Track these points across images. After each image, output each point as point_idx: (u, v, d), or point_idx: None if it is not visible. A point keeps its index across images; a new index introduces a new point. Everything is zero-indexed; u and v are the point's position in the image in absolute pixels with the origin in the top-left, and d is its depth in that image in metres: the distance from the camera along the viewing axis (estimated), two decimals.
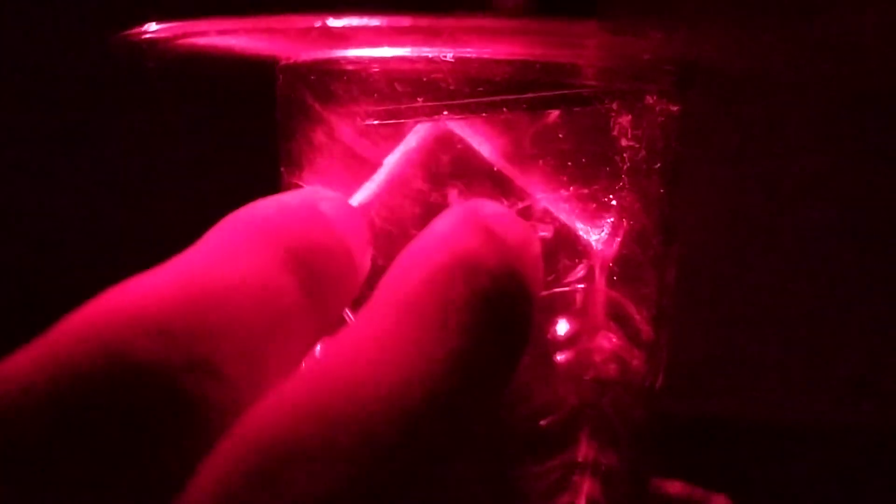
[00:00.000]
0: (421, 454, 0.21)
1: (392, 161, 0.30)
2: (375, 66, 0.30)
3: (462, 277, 0.23)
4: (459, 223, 0.25)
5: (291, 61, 0.31)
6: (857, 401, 0.56)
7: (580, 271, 0.31)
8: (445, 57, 0.29)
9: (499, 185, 0.30)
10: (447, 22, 0.26)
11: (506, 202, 0.30)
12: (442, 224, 0.25)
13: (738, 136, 0.45)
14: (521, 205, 0.30)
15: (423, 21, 0.24)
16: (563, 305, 0.32)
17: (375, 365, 0.21)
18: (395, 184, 0.30)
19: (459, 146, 0.30)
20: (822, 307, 0.52)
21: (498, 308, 0.23)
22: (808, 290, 0.52)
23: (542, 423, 0.33)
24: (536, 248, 0.27)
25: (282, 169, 0.33)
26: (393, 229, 0.30)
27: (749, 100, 0.41)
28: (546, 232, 0.30)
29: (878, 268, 0.51)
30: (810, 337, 0.54)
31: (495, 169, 0.30)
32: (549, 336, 0.32)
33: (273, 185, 0.33)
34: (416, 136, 0.30)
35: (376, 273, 0.31)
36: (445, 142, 0.30)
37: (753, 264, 0.51)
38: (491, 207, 0.26)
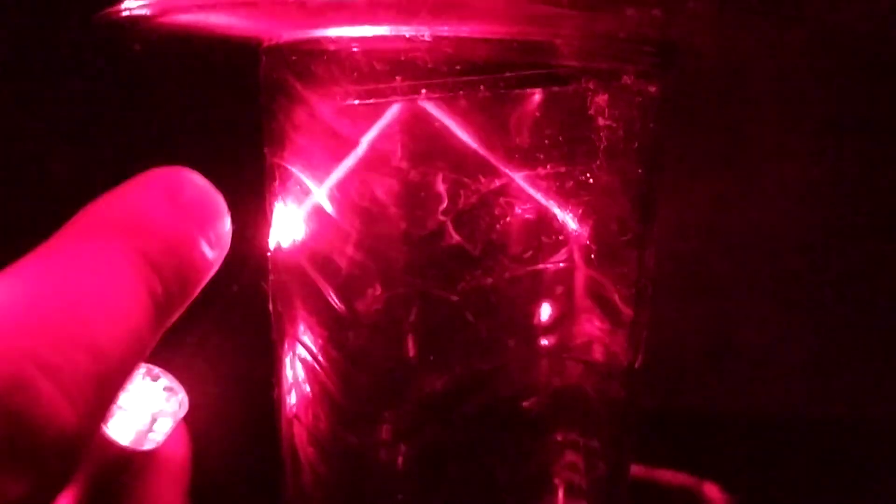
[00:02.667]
0: None
1: (369, 139, 0.30)
2: (355, 45, 0.30)
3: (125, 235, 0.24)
4: (145, 183, 0.25)
5: (274, 43, 0.32)
6: (851, 394, 0.56)
7: (559, 251, 0.32)
8: (423, 36, 0.29)
9: (475, 164, 0.30)
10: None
11: (482, 179, 0.30)
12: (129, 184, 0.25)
13: (727, 126, 0.45)
14: (497, 182, 0.30)
15: None
16: (545, 287, 0.32)
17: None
18: (374, 162, 0.30)
19: (436, 125, 0.30)
20: (813, 301, 0.52)
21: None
22: (799, 284, 0.52)
23: (526, 404, 0.33)
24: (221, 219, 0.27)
25: (265, 149, 0.33)
26: (371, 207, 0.31)
27: (732, 84, 0.41)
28: (523, 210, 0.30)
29: (870, 261, 0.51)
30: (805, 331, 0.54)
31: (472, 147, 0.30)
32: (533, 319, 0.32)
33: (258, 164, 0.34)
34: (393, 114, 0.30)
35: (361, 247, 0.31)
36: (422, 120, 0.30)
37: (746, 259, 0.52)
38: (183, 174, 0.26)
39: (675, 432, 0.54)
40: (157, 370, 0.36)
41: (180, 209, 0.25)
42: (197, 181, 0.27)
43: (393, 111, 0.30)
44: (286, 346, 0.33)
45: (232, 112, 0.36)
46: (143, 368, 0.36)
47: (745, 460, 0.57)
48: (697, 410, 0.58)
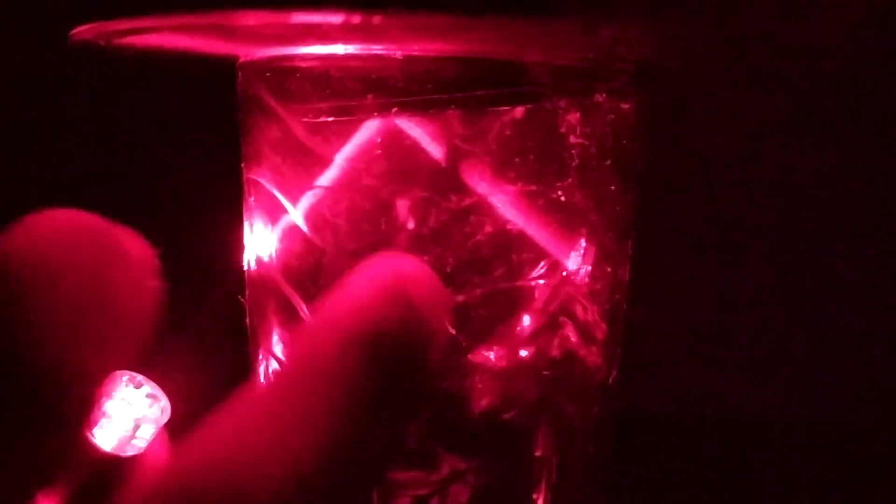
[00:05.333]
0: None
1: (342, 158, 0.30)
2: (328, 63, 0.30)
3: (370, 351, 0.23)
4: (374, 287, 0.24)
5: (249, 59, 0.32)
6: (842, 398, 0.56)
7: (532, 268, 0.32)
8: (395, 55, 0.30)
9: (445, 181, 0.30)
10: (392, 19, 0.27)
11: (453, 198, 0.30)
12: (358, 286, 0.24)
13: (705, 137, 0.45)
14: (467, 201, 0.30)
15: (360, 18, 0.24)
16: (518, 304, 0.32)
17: (278, 432, 0.22)
18: (346, 179, 0.31)
19: (407, 143, 0.30)
20: (792, 308, 0.52)
21: (396, 380, 0.24)
22: (780, 292, 0.52)
23: (505, 416, 0.33)
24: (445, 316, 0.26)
25: (242, 164, 0.34)
26: (344, 225, 0.31)
27: (708, 98, 0.41)
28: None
29: (850, 265, 0.51)
30: (794, 335, 0.54)
31: (443, 165, 0.30)
32: (507, 336, 0.32)
33: (235, 179, 0.34)
34: (366, 133, 0.30)
35: (333, 264, 0.31)
36: (394, 139, 0.30)
37: (727, 267, 0.52)
38: (408, 267, 0.25)
39: (658, 436, 0.54)
40: (139, 377, 0.37)
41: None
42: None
43: (366, 129, 0.30)
44: (261, 358, 0.34)
45: (210, 125, 0.36)
46: (126, 375, 0.36)
47: (730, 463, 0.57)
48: (681, 414, 0.58)
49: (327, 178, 0.31)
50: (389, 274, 0.24)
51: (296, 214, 0.31)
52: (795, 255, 0.50)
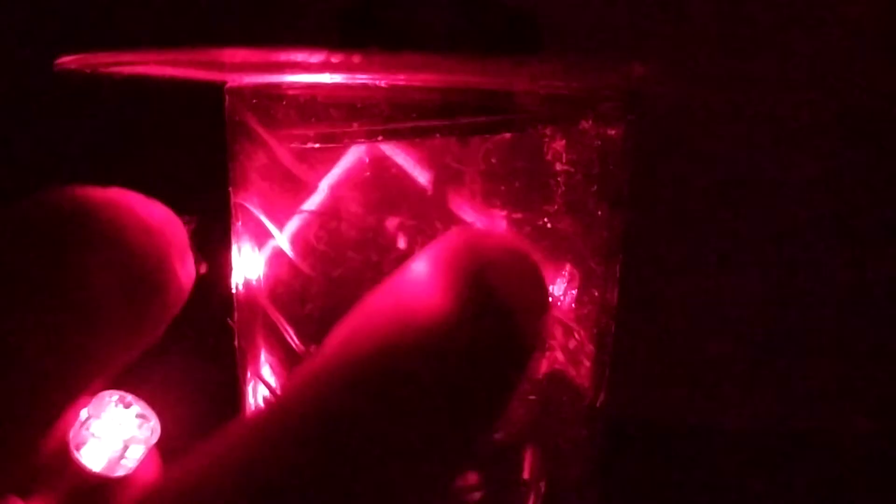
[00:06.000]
0: None
1: (327, 185, 0.30)
2: (314, 91, 0.30)
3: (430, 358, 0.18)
4: (445, 272, 0.19)
5: (236, 84, 0.32)
6: (831, 407, 0.56)
7: None
8: (380, 83, 0.30)
9: (432, 209, 0.30)
10: (372, 58, 0.27)
11: (439, 225, 0.30)
12: (419, 271, 0.19)
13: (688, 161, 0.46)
14: (442, 233, 0.30)
15: (340, 57, 0.24)
16: None
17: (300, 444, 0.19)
18: (332, 206, 0.31)
19: (393, 170, 0.30)
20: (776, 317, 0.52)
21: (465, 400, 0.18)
22: (779, 296, 0.52)
23: (496, 437, 0.33)
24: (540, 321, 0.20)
25: (230, 188, 0.34)
26: (329, 251, 0.31)
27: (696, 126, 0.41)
28: None
29: (853, 273, 0.51)
30: (772, 347, 0.54)
31: (429, 192, 0.30)
32: None
33: (223, 203, 0.34)
34: (351, 159, 0.30)
35: (320, 290, 0.31)
36: (379, 166, 0.30)
37: (712, 276, 0.52)
38: (494, 249, 0.19)
39: (651, 444, 0.55)
40: (129, 397, 0.37)
41: None
42: None
43: (352, 155, 0.30)
44: (249, 381, 0.34)
45: (198, 149, 0.36)
46: (115, 395, 0.36)
47: (721, 472, 0.57)
48: (673, 423, 0.58)
49: (313, 204, 0.31)
50: (468, 258, 0.18)
51: (282, 240, 0.31)
52: (781, 267, 0.50)
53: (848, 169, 0.49)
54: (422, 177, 0.30)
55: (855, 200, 0.51)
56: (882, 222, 0.52)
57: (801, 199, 0.49)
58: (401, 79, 0.29)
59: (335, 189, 0.30)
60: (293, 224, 0.31)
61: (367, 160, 0.30)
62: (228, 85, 0.33)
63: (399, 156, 0.30)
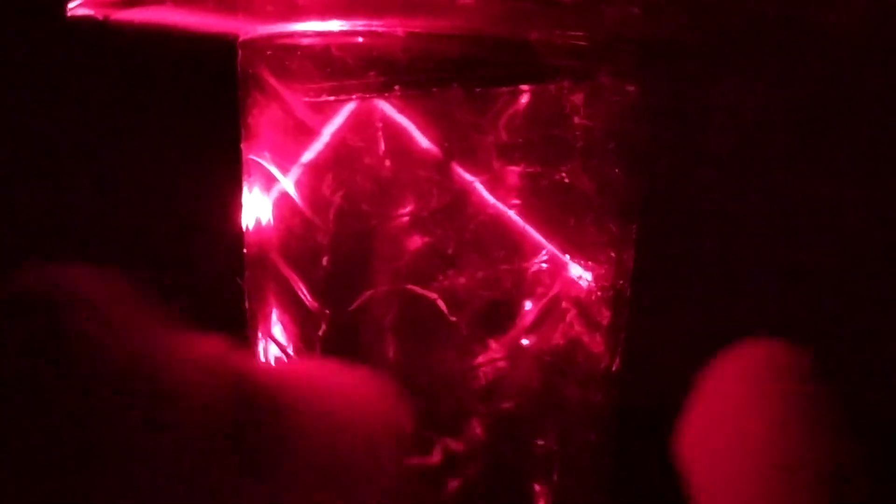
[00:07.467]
0: None
1: (331, 131, 0.30)
2: (329, 41, 0.30)
3: None
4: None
5: (249, 37, 0.32)
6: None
7: (535, 252, 0.31)
8: (397, 32, 0.29)
9: (447, 162, 0.30)
10: None
11: (455, 179, 0.30)
12: None
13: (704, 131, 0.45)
14: (469, 182, 0.30)
15: None
16: (522, 288, 0.32)
17: None
18: (346, 157, 0.30)
19: (410, 122, 0.30)
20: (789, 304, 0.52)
21: None
22: (788, 287, 0.52)
23: (504, 406, 0.33)
24: None
25: (241, 144, 0.33)
26: (343, 203, 0.30)
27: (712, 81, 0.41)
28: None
29: (850, 263, 0.51)
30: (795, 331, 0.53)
31: (445, 145, 0.30)
32: (510, 320, 0.32)
33: (234, 157, 0.33)
34: (366, 111, 0.30)
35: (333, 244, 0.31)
36: (395, 118, 0.30)
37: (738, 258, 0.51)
38: None
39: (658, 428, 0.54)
40: None
41: None
42: None
43: (366, 108, 0.30)
44: (260, 340, 0.33)
45: (210, 104, 0.35)
46: None
47: None
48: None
49: (317, 152, 0.30)
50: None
51: (294, 192, 0.31)
52: (794, 249, 0.50)
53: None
54: (438, 129, 0.30)
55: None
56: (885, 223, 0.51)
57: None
58: (418, 26, 0.29)
59: (350, 140, 0.30)
60: (306, 178, 0.31)
61: (383, 112, 0.30)
62: (241, 38, 0.32)
63: (415, 107, 0.30)
